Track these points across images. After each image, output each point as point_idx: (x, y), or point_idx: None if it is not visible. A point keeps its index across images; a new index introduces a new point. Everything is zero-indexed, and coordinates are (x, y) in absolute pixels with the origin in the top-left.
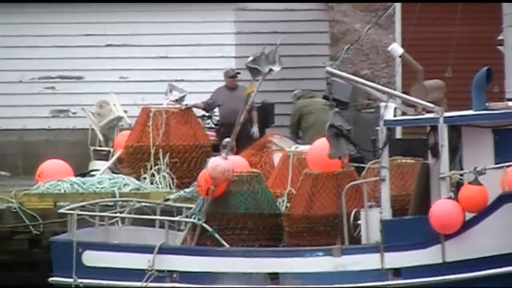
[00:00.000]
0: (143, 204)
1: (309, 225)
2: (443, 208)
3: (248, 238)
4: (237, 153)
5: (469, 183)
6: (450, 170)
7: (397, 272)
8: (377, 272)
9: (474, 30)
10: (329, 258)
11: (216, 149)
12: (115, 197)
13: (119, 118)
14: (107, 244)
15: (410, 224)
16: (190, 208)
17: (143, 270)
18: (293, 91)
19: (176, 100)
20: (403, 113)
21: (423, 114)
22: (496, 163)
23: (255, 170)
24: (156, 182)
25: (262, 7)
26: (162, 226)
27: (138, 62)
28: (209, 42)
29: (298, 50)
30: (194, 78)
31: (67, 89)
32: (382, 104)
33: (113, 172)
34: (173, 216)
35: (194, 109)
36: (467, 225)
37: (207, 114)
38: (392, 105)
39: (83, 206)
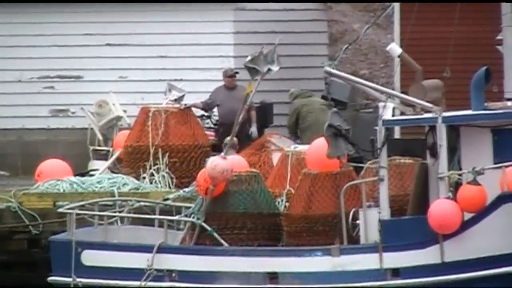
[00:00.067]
0: (142, 203)
1: (308, 224)
2: (441, 208)
3: (247, 237)
4: (238, 152)
5: (468, 183)
6: (449, 170)
7: (395, 272)
8: (376, 272)
9: (472, 30)
10: (328, 258)
11: (216, 148)
12: (114, 196)
13: (118, 118)
14: (106, 243)
15: (408, 224)
16: (189, 207)
17: (142, 269)
18: None
19: (175, 100)
20: (402, 113)
21: (421, 114)
22: (495, 163)
23: (254, 170)
24: (155, 182)
25: (261, 7)
26: (161, 225)
27: (137, 62)
28: (208, 41)
29: (296, 50)
30: (193, 77)
31: (66, 89)
32: (381, 104)
33: (112, 172)
34: (172, 215)
35: (193, 109)
36: (465, 225)
37: (206, 114)
38: (390, 105)
39: (82, 205)
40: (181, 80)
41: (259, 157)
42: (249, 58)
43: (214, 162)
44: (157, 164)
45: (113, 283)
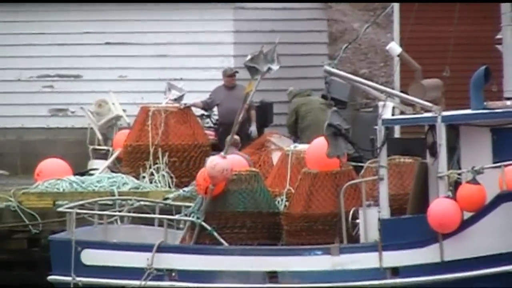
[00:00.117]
0: (142, 203)
1: (307, 224)
2: (441, 207)
3: (247, 236)
4: (239, 150)
5: (467, 182)
6: (448, 169)
7: (395, 271)
8: (375, 271)
9: (472, 29)
10: (328, 257)
11: (216, 148)
12: (114, 196)
13: (118, 117)
14: (106, 242)
15: (408, 223)
16: (189, 207)
17: (142, 268)
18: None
19: (175, 99)
20: (402, 112)
21: (421, 113)
22: (494, 162)
23: (253, 169)
24: (155, 181)
25: (261, 6)
26: (161, 224)
27: (137, 61)
28: (207, 40)
29: (296, 49)
30: (193, 77)
31: (65, 88)
32: (381, 103)
33: (112, 171)
34: (172, 215)
35: (193, 108)
36: (465, 224)
37: (206, 113)
38: (390, 104)
39: (82, 205)
40: (181, 79)
41: (259, 156)
42: (249, 57)
43: (214, 162)
44: (157, 163)
45: (113, 282)
